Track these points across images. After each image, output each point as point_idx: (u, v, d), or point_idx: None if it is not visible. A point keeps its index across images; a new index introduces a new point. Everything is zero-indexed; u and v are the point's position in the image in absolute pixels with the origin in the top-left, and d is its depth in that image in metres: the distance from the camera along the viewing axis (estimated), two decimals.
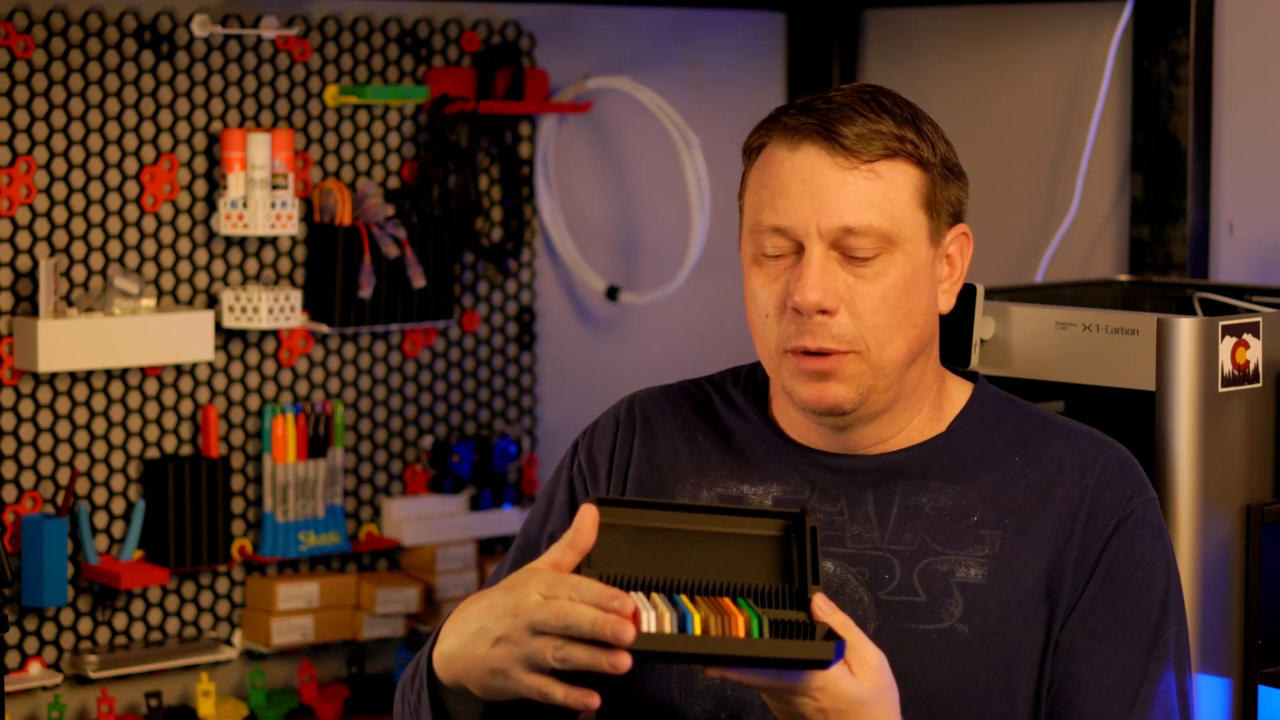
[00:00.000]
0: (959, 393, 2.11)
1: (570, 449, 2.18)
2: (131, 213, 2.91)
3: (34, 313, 2.80)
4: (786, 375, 2.01)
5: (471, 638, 1.85)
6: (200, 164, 2.95)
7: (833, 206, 1.96)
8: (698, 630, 1.78)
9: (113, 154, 2.89)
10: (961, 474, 2.04)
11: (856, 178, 1.97)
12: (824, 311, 1.96)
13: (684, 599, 1.82)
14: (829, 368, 1.98)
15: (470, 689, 1.88)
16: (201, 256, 2.97)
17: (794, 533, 1.87)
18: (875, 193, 1.97)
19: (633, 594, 1.81)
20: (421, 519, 3.16)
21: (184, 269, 2.95)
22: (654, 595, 1.82)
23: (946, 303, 2.07)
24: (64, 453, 2.87)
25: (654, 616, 1.78)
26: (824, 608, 1.82)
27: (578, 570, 1.83)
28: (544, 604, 1.78)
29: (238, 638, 3.02)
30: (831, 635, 1.80)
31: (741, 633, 1.79)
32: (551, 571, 1.82)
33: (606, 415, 2.18)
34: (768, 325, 2.01)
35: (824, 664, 1.77)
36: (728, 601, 1.83)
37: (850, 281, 1.97)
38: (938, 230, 2.02)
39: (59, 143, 2.84)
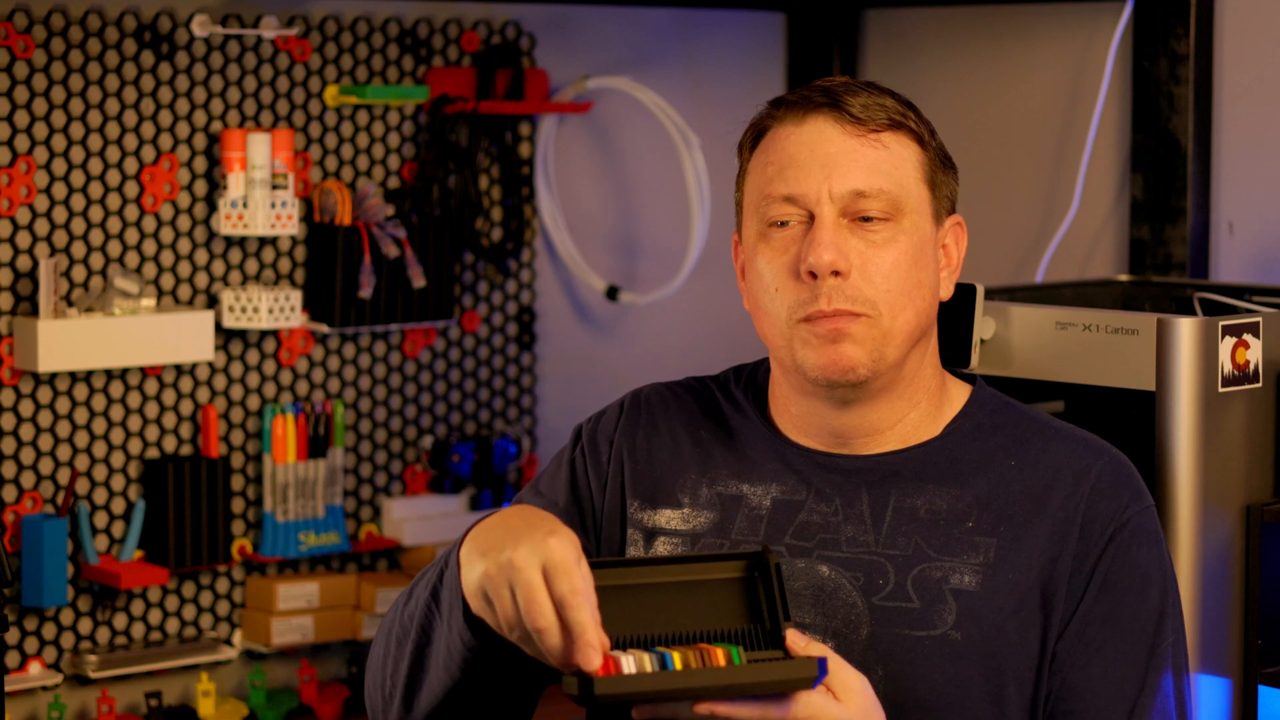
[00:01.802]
0: (958, 395, 2.11)
1: (573, 433, 2.18)
2: (131, 213, 2.91)
3: (34, 313, 2.80)
4: (798, 346, 2.00)
5: (469, 554, 1.84)
6: (200, 164, 2.95)
7: (843, 171, 1.99)
8: (678, 666, 1.78)
9: (113, 154, 2.89)
10: (957, 477, 2.04)
11: (864, 145, 2.00)
12: (837, 274, 1.97)
13: (661, 649, 1.81)
14: (842, 326, 1.98)
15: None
16: (201, 256, 2.97)
17: (758, 571, 1.86)
18: (883, 161, 2.00)
19: (610, 652, 1.79)
20: (421, 519, 3.16)
21: (184, 269, 2.95)
22: (630, 650, 1.81)
23: (946, 290, 2.08)
24: (64, 453, 2.87)
25: (633, 660, 1.77)
26: (799, 641, 1.83)
27: None
28: (532, 593, 1.77)
29: (238, 638, 3.02)
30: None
31: (723, 663, 1.78)
32: (571, 548, 1.79)
33: (612, 405, 2.19)
34: (778, 299, 2.01)
35: (809, 682, 1.77)
36: (704, 645, 1.82)
37: (861, 248, 1.99)
38: (938, 210, 2.04)
39: (59, 143, 2.84)
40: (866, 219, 1.99)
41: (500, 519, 1.87)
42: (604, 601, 1.81)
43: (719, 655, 1.79)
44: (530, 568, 1.77)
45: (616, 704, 1.77)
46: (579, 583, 1.76)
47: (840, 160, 2.00)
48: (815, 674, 1.77)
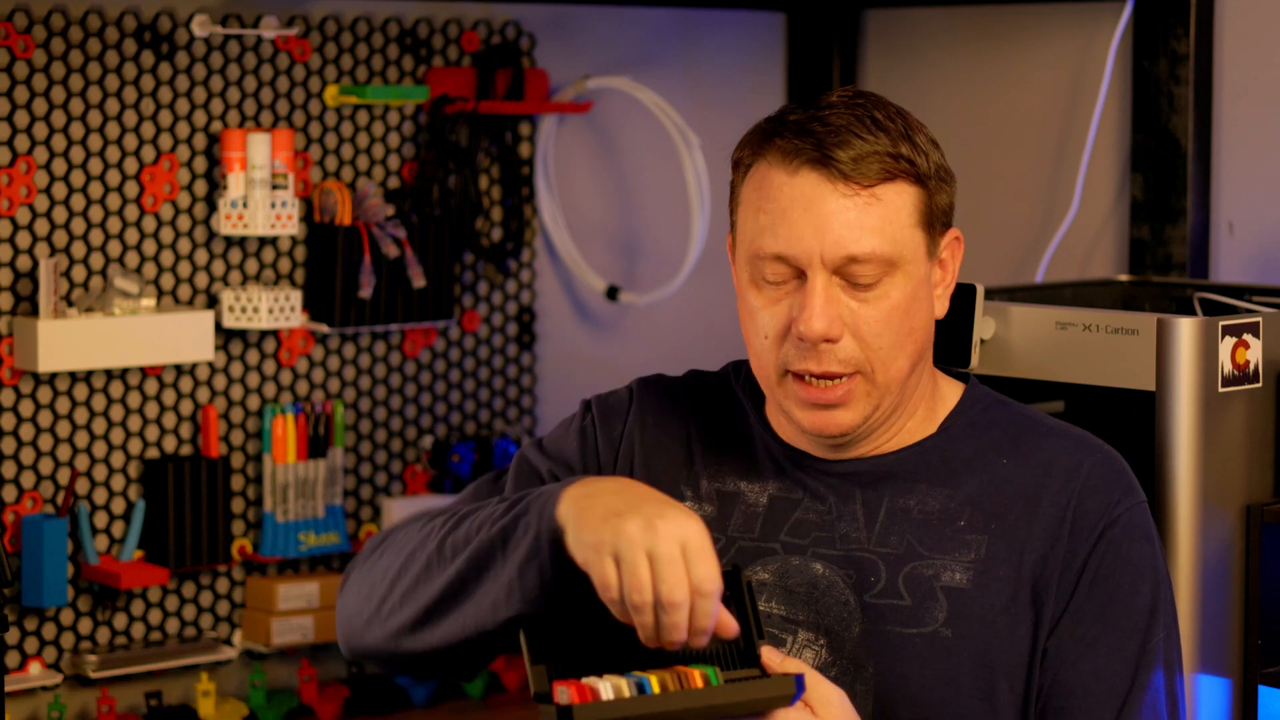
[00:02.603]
0: (950, 393, 2.11)
1: (582, 405, 2.18)
2: (131, 213, 2.91)
3: (34, 313, 2.80)
4: (785, 398, 2.01)
5: (586, 512, 1.83)
6: (200, 164, 2.96)
7: (835, 235, 1.95)
8: (656, 690, 1.77)
9: (113, 154, 2.89)
10: (950, 476, 2.04)
11: (857, 204, 1.96)
12: (829, 340, 1.97)
13: (637, 673, 1.81)
14: (836, 399, 1.99)
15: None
16: (201, 256, 2.97)
17: (730, 590, 1.85)
18: (876, 218, 1.96)
19: (585, 679, 1.78)
20: None
21: (184, 269, 2.95)
22: (606, 676, 1.80)
23: (941, 307, 2.07)
24: (64, 453, 2.87)
25: (610, 686, 1.77)
26: (775, 658, 1.83)
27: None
28: (675, 568, 1.76)
29: (238, 638, 3.02)
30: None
31: (700, 684, 1.79)
32: (707, 533, 1.79)
33: (620, 389, 2.18)
34: (767, 347, 2.01)
35: (787, 699, 1.78)
36: (680, 667, 1.82)
37: (853, 306, 1.97)
38: (934, 243, 2.02)
39: (59, 143, 2.84)
40: (857, 284, 1.98)
41: (614, 485, 1.86)
42: (575, 630, 1.82)
43: (696, 677, 1.79)
44: (670, 540, 1.77)
45: None
46: (715, 570, 1.78)
47: (832, 222, 1.95)
48: (793, 691, 1.78)
